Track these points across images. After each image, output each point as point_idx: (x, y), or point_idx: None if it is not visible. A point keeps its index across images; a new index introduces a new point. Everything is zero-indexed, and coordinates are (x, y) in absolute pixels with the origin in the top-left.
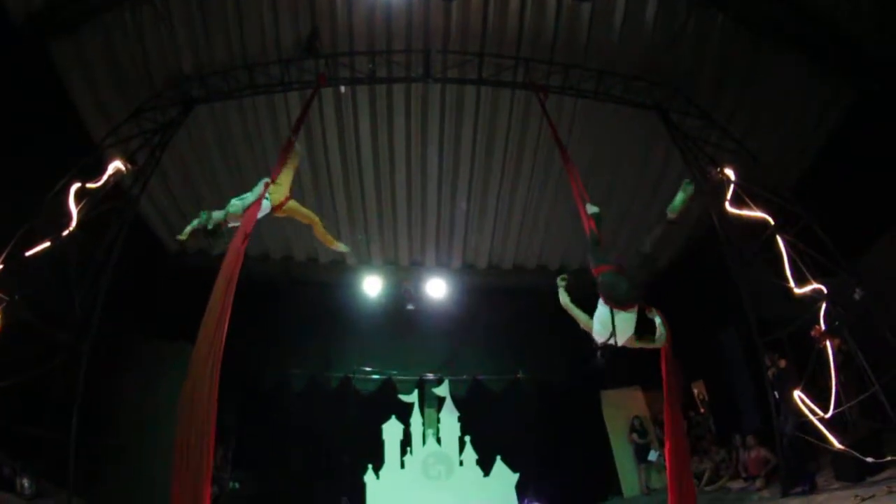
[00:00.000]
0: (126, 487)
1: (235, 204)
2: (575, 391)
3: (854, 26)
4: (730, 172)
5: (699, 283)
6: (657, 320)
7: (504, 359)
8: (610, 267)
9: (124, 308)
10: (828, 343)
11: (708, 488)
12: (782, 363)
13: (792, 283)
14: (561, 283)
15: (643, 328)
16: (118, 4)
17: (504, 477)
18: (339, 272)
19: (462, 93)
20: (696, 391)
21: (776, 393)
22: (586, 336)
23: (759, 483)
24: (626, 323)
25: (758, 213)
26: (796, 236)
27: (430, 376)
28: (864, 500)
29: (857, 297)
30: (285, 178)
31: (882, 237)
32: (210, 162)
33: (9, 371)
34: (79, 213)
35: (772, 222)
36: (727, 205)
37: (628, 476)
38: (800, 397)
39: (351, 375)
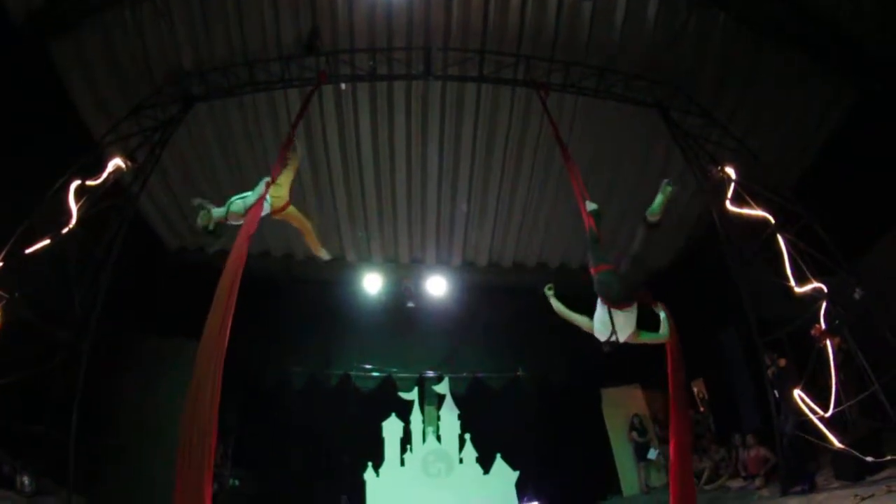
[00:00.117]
0: (126, 485)
1: (237, 202)
2: (575, 389)
3: (855, 26)
4: (730, 171)
5: (699, 282)
6: (662, 315)
7: (504, 356)
8: (607, 266)
9: (124, 306)
10: (828, 342)
11: (707, 487)
12: (782, 362)
13: (792, 283)
14: (548, 292)
15: (647, 323)
16: (118, 2)
17: (504, 475)
18: (340, 270)
19: (463, 90)
20: (695, 390)
21: (776, 392)
22: (586, 334)
23: (758, 482)
24: (625, 321)
25: (758, 212)
26: (797, 235)
27: (431, 374)
28: (863, 499)
29: (857, 296)
30: (285, 181)
31: (883, 237)
32: (210, 159)
33: (9, 369)
34: (79, 210)
35: (772, 221)
36: (728, 203)
37: (628, 474)
38: (800, 396)
39: (351, 373)
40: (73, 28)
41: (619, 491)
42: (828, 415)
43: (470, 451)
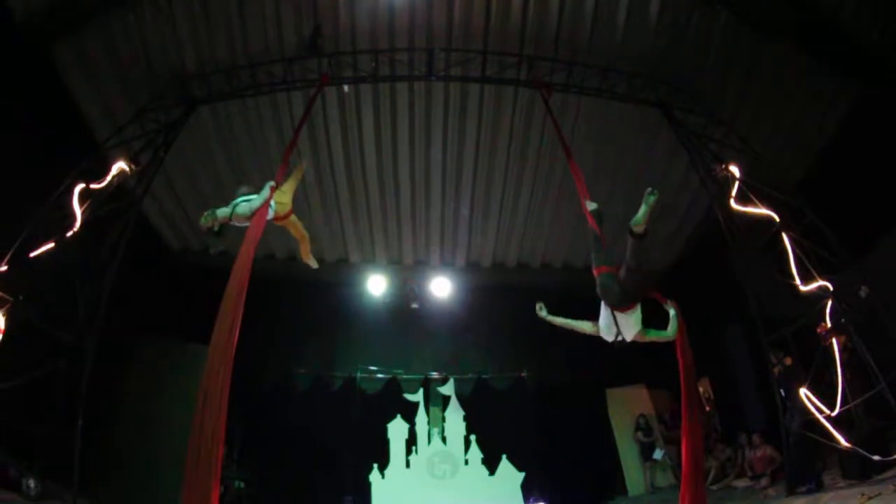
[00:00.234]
0: (131, 487)
1: (242, 205)
2: (580, 390)
3: (856, 23)
4: (734, 170)
5: (704, 281)
6: (672, 312)
7: (509, 357)
8: (609, 269)
9: (128, 308)
10: (833, 340)
11: (713, 487)
12: (788, 361)
13: (797, 281)
14: (541, 312)
15: (656, 321)
16: (120, 5)
17: (509, 476)
18: (344, 272)
19: (466, 91)
20: (701, 389)
21: (782, 391)
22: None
23: (764, 481)
24: (629, 321)
25: (763, 211)
26: (801, 234)
27: (436, 375)
28: (870, 498)
29: (862, 294)
30: (289, 189)
31: (887, 234)
32: (213, 162)
33: (14, 372)
34: (83, 213)
35: (777, 220)
36: (732, 202)
37: (633, 475)
38: (805, 395)
39: (356, 375)
40: (75, 31)
41: (624, 491)
42: (834, 413)
43: (475, 453)
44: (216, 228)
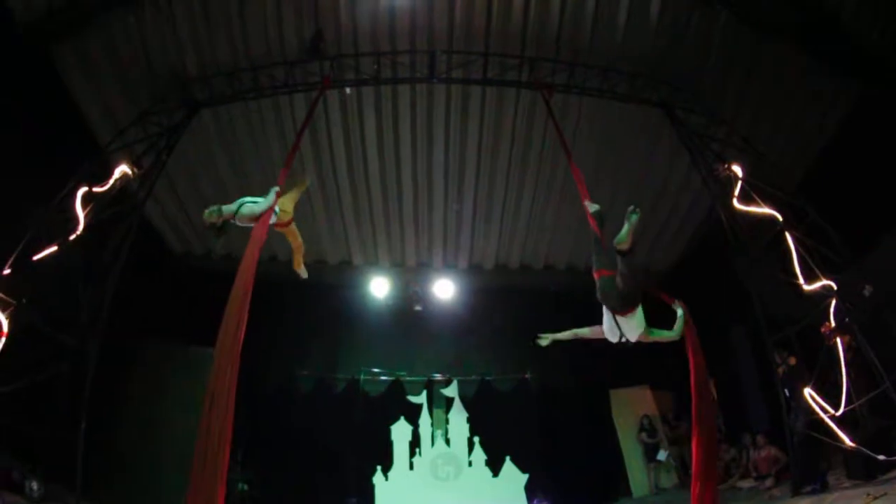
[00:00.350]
0: (134, 490)
1: (248, 205)
2: (583, 391)
3: (857, 22)
4: (737, 169)
5: (707, 281)
6: (679, 312)
7: (512, 359)
8: (609, 272)
9: (131, 311)
10: (838, 340)
11: (718, 487)
12: (792, 361)
13: (801, 280)
14: (543, 341)
15: (661, 321)
16: (121, 6)
17: (513, 478)
18: (347, 274)
19: (467, 93)
20: None
21: (786, 391)
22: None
23: (769, 482)
24: (631, 324)
25: (766, 210)
26: (804, 233)
27: (439, 377)
28: (875, 498)
29: (866, 293)
30: (292, 199)
31: (890, 232)
32: (215, 165)
33: (17, 374)
34: (85, 217)
35: (780, 219)
36: (735, 202)
37: (637, 476)
38: (810, 395)
39: (359, 377)
40: (76, 32)
41: (628, 492)
42: (839, 413)
43: (479, 454)
44: (219, 225)
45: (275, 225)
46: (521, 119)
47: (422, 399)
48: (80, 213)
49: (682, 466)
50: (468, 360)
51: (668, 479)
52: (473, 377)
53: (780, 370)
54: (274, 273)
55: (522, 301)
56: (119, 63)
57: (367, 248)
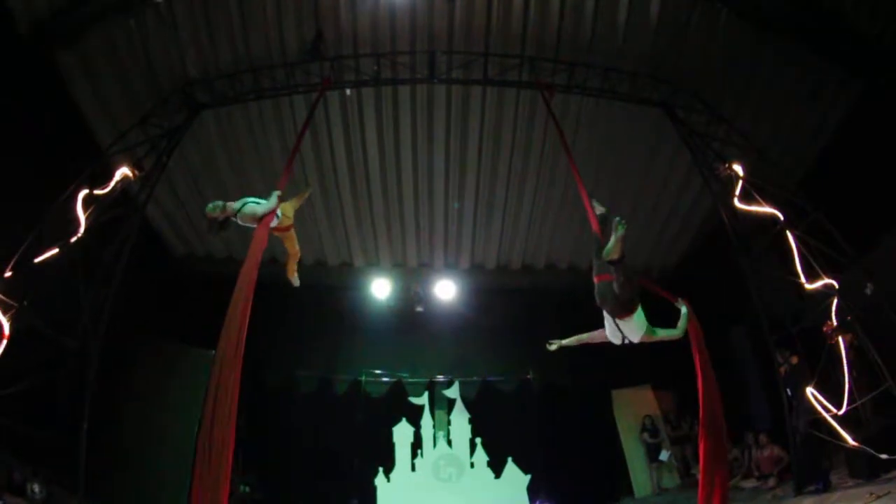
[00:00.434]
0: (136, 491)
1: (251, 205)
2: (585, 391)
3: (859, 19)
4: (738, 168)
5: (708, 280)
6: (683, 310)
7: (514, 359)
8: (608, 277)
9: (132, 313)
10: (840, 339)
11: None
12: (794, 360)
13: (802, 279)
14: (552, 346)
15: (665, 320)
16: (122, 11)
17: (515, 478)
18: (348, 275)
19: (468, 93)
20: None
21: (788, 390)
22: None
23: (772, 482)
24: (631, 326)
25: (767, 209)
26: (806, 232)
27: (441, 378)
28: (878, 497)
29: (868, 291)
30: (293, 206)
31: (890, 232)
32: (216, 167)
33: (19, 376)
34: (87, 219)
35: (781, 218)
36: (736, 201)
37: (640, 476)
38: (812, 394)
39: (360, 378)
40: (78, 38)
41: (631, 493)
42: (841, 412)
43: (481, 455)
44: (220, 220)
45: (275, 229)
46: (522, 119)
47: (423, 400)
48: (82, 216)
49: (685, 466)
50: (470, 361)
51: (671, 480)
52: (475, 378)
53: (783, 369)
54: (275, 274)
55: (524, 301)
56: (120, 65)
57: (367, 249)
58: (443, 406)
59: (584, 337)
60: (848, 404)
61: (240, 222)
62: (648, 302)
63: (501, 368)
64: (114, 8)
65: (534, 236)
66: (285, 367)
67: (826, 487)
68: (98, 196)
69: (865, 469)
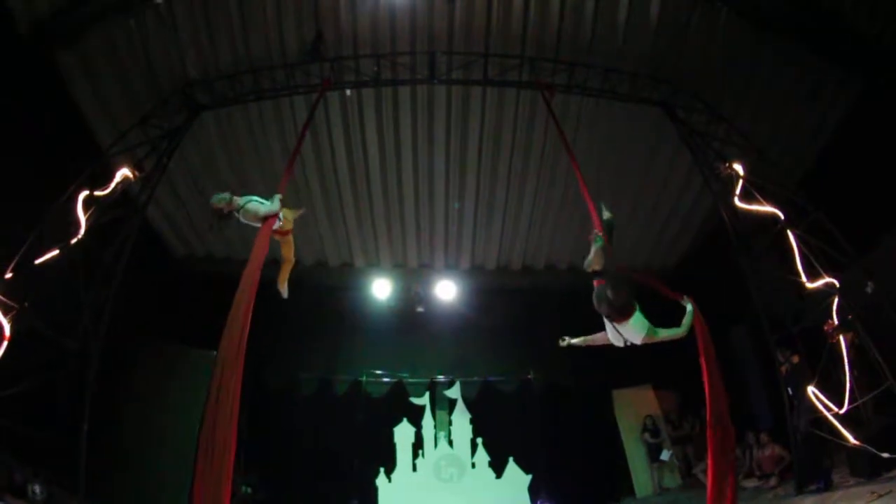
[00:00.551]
0: (137, 492)
1: (254, 203)
2: (586, 391)
3: (858, 18)
4: (738, 167)
5: (709, 280)
6: (689, 307)
7: (515, 359)
8: (602, 281)
9: (133, 314)
10: (841, 338)
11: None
12: (795, 359)
13: (803, 278)
14: (564, 342)
15: (667, 320)
16: (122, 11)
17: (516, 478)
18: (348, 276)
19: (468, 94)
20: None
21: (789, 389)
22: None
23: (773, 481)
24: (630, 329)
25: (767, 208)
26: (806, 231)
27: (441, 378)
28: (880, 496)
29: (869, 290)
30: (291, 213)
31: (890, 232)
32: (217, 167)
33: (19, 377)
34: (87, 220)
35: (782, 217)
36: (736, 200)
37: (641, 476)
38: (813, 393)
39: (361, 379)
40: (78, 38)
41: (632, 493)
42: (842, 411)
43: (482, 456)
44: (224, 213)
45: (275, 232)
46: (522, 120)
47: (424, 401)
48: (82, 217)
49: (686, 466)
50: (470, 362)
51: (672, 479)
52: (476, 378)
53: (784, 368)
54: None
55: (524, 302)
56: (120, 65)
57: (368, 250)
58: (444, 406)
59: (589, 339)
60: (849, 403)
61: (241, 219)
62: (650, 301)
63: (502, 368)
64: (114, 8)
65: (534, 237)
66: (286, 367)
67: (827, 486)
68: (98, 197)
69: (867, 468)
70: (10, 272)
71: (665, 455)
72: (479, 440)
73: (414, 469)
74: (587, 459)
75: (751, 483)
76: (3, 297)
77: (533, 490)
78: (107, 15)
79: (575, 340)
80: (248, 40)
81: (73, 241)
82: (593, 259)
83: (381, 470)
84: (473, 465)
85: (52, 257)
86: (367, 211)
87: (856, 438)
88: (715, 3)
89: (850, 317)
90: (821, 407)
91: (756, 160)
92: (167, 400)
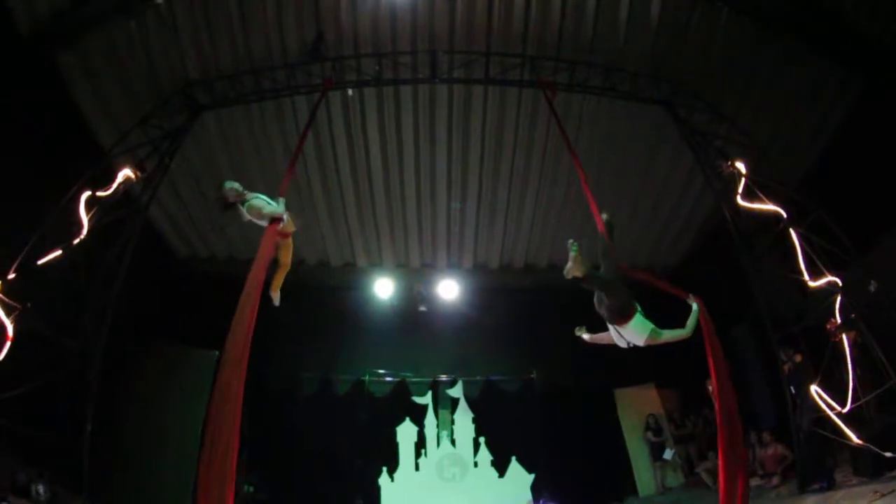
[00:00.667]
0: (140, 492)
1: (260, 200)
2: (589, 390)
3: (858, 17)
4: (740, 166)
5: (711, 278)
6: (694, 307)
7: (517, 359)
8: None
9: (135, 314)
10: (843, 336)
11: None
12: (798, 358)
13: (806, 277)
14: (579, 332)
15: (671, 320)
16: (122, 12)
17: (519, 478)
18: (351, 275)
19: (469, 93)
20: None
21: (792, 388)
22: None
23: (776, 480)
24: (631, 332)
25: (770, 207)
26: (809, 229)
27: (444, 378)
28: (883, 495)
29: (871, 289)
30: (293, 218)
31: (890, 232)
32: (218, 168)
33: (22, 378)
34: (89, 221)
35: (784, 216)
36: (738, 199)
37: (644, 475)
38: (816, 392)
39: (364, 378)
40: (78, 38)
41: (634, 492)
42: (845, 410)
43: (485, 455)
44: (231, 202)
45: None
46: (524, 118)
47: (427, 400)
48: (84, 217)
49: (689, 465)
50: (473, 361)
51: (675, 478)
52: (478, 377)
53: (786, 367)
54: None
55: (527, 301)
56: (120, 66)
57: (370, 250)
58: (446, 405)
59: (596, 337)
60: (852, 402)
61: (245, 213)
62: (651, 301)
63: (505, 368)
64: (114, 9)
65: (536, 236)
66: (289, 367)
67: (830, 485)
68: (100, 198)
69: (869, 467)
70: (13, 273)
71: (668, 454)
72: (482, 439)
73: (416, 468)
74: (590, 458)
75: (753, 482)
76: (6, 297)
77: (535, 489)
78: (107, 15)
79: (585, 336)
80: (248, 40)
81: (76, 241)
82: (571, 267)
83: (384, 469)
84: (476, 465)
85: (55, 258)
86: (370, 211)
87: (859, 437)
88: (715, 2)
89: (852, 315)
90: (823, 406)
91: (758, 159)
92: (169, 400)
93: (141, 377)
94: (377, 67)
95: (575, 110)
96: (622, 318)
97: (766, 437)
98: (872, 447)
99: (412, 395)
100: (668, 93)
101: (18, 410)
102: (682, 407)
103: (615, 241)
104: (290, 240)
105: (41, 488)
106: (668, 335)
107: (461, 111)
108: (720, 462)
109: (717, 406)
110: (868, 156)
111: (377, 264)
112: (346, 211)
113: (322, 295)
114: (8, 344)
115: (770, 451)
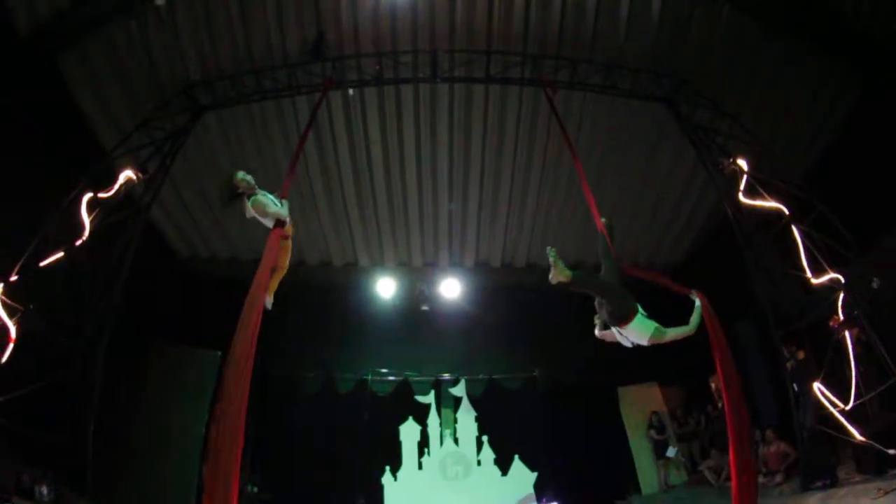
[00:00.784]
0: (143, 493)
1: (267, 198)
2: (591, 388)
3: (860, 19)
4: (742, 163)
5: (714, 276)
6: (697, 303)
7: (520, 357)
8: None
9: (137, 315)
10: (846, 333)
11: (728, 484)
12: (801, 355)
13: (808, 274)
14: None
15: (674, 318)
16: (123, 13)
17: (522, 476)
18: (353, 275)
19: (470, 92)
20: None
21: (795, 385)
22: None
23: (779, 478)
24: (632, 333)
25: (772, 204)
26: (811, 226)
27: (447, 377)
28: (886, 493)
29: (874, 285)
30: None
31: (890, 232)
32: (220, 168)
33: (25, 379)
34: (91, 222)
35: (786, 212)
36: (741, 196)
37: (647, 473)
38: (819, 389)
39: (367, 377)
40: (79, 39)
41: (638, 490)
42: (848, 407)
43: (488, 453)
44: (237, 193)
45: None
46: (525, 117)
47: (430, 399)
48: (86, 219)
49: (692, 463)
50: (476, 360)
51: (678, 476)
52: (481, 376)
53: (789, 365)
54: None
55: (529, 299)
56: (121, 67)
57: (372, 249)
58: (449, 404)
59: (605, 333)
60: (855, 399)
61: (249, 207)
62: (654, 299)
63: (507, 366)
64: (114, 10)
65: (538, 233)
66: (292, 366)
67: (833, 483)
68: (102, 199)
69: (873, 464)
70: (15, 274)
71: (671, 452)
72: (485, 438)
73: (420, 467)
74: (592, 457)
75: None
76: (9, 299)
77: (539, 487)
78: (107, 16)
79: (597, 331)
80: (249, 40)
81: (78, 242)
82: (554, 273)
83: (387, 468)
84: (479, 463)
85: (57, 259)
86: (371, 210)
87: (862, 435)
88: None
89: (855, 312)
90: (826, 403)
91: (759, 156)
92: (171, 400)
93: (143, 378)
94: (378, 67)
95: (576, 108)
96: (622, 320)
97: (769, 434)
98: (876, 444)
99: (415, 394)
100: (670, 90)
101: (22, 411)
102: (685, 405)
103: (615, 242)
104: (289, 242)
105: (45, 489)
106: (673, 333)
107: (462, 110)
108: (731, 449)
109: (724, 397)
110: (869, 154)
111: (379, 264)
112: (348, 210)
113: (324, 295)
114: (11, 345)
115: (773, 448)
